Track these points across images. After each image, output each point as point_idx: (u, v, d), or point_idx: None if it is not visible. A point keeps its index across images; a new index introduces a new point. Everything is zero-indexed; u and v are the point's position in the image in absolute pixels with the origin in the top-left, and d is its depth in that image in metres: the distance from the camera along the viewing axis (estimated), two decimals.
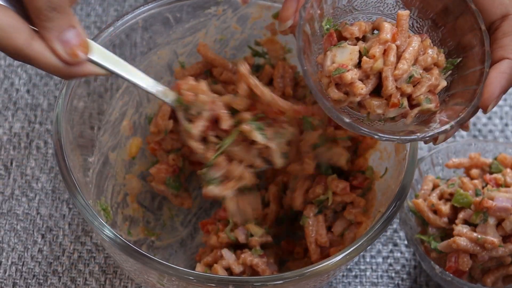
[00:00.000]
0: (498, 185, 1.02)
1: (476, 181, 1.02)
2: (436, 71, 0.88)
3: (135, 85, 0.89)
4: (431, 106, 0.88)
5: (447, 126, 0.86)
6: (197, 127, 0.93)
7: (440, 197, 1.03)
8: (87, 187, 0.98)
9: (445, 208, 1.01)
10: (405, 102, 0.87)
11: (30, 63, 0.80)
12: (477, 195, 1.00)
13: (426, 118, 0.89)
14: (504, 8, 0.87)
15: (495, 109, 1.19)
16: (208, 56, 1.05)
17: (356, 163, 1.02)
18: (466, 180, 1.02)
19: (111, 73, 0.86)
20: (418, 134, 0.86)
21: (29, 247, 1.07)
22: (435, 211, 1.02)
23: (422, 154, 1.13)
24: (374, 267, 1.07)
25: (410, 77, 0.86)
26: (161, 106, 1.07)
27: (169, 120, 1.06)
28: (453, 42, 0.90)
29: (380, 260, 1.08)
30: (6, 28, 0.77)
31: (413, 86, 0.87)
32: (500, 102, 1.20)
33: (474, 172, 1.04)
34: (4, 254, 1.06)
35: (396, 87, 0.86)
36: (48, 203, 1.10)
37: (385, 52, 0.87)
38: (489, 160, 1.05)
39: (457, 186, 1.02)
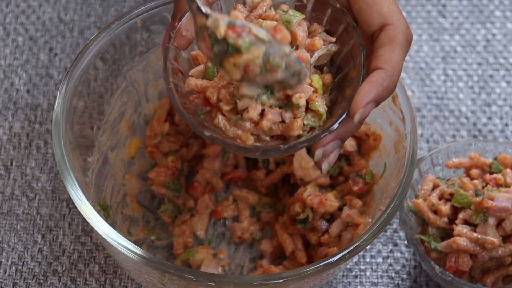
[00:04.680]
0: (498, 185, 1.02)
1: (476, 181, 1.02)
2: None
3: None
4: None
5: (313, 135, 0.84)
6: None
7: (440, 197, 1.03)
8: (87, 187, 0.98)
9: (445, 208, 1.01)
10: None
11: None
12: (477, 195, 1.00)
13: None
14: (382, 18, 0.85)
15: (495, 109, 1.18)
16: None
17: (358, 164, 1.02)
18: (466, 180, 1.02)
19: None
20: (281, 145, 0.84)
21: (29, 247, 1.07)
22: (435, 211, 1.02)
23: (422, 154, 1.13)
24: (374, 267, 1.07)
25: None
26: (156, 109, 1.07)
27: (165, 122, 1.06)
28: (340, 57, 0.88)
29: (380, 260, 1.08)
30: None
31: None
32: (500, 102, 1.19)
33: (474, 172, 1.04)
34: (4, 254, 1.06)
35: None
36: (48, 203, 1.10)
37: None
38: (489, 160, 1.05)
39: (457, 186, 1.02)
